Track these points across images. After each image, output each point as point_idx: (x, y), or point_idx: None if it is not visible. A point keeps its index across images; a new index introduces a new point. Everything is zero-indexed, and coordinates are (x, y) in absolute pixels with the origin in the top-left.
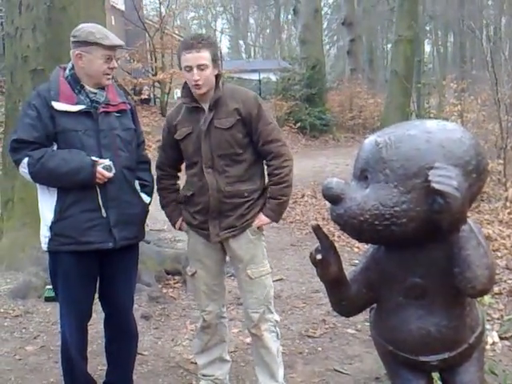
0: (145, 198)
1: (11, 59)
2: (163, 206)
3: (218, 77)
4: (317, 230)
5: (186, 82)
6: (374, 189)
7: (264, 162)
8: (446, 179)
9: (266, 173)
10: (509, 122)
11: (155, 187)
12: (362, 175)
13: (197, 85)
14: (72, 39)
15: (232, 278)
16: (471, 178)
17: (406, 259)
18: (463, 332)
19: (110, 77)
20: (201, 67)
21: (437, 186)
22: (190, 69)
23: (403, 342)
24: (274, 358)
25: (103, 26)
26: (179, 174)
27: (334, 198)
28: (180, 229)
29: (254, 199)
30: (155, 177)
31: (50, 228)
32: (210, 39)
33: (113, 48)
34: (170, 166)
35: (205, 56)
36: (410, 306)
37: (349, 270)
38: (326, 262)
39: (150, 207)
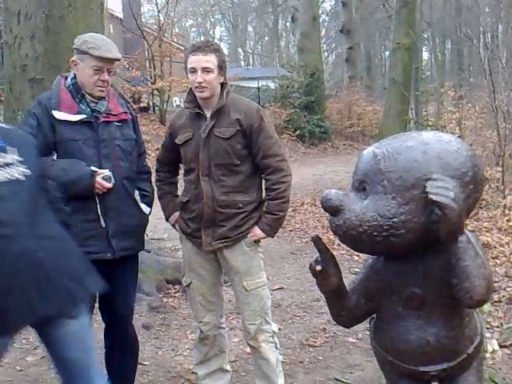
0: (144, 208)
1: (10, 68)
2: (159, 198)
3: (222, 85)
4: (316, 241)
5: (191, 88)
6: (372, 200)
7: (262, 175)
8: (444, 190)
9: (263, 186)
10: (507, 130)
11: (155, 194)
12: (361, 186)
13: (199, 87)
14: (73, 46)
15: (231, 287)
16: (468, 189)
17: (405, 270)
18: (462, 342)
19: (102, 89)
20: (206, 70)
21: (434, 198)
22: (194, 70)
23: (402, 352)
24: (274, 369)
25: (101, 34)
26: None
27: (332, 210)
28: (173, 226)
29: (248, 211)
30: (154, 169)
31: None
32: (218, 46)
33: (103, 60)
34: (169, 165)
35: (211, 60)
36: (409, 316)
37: (348, 281)
38: (325, 273)
39: (151, 216)
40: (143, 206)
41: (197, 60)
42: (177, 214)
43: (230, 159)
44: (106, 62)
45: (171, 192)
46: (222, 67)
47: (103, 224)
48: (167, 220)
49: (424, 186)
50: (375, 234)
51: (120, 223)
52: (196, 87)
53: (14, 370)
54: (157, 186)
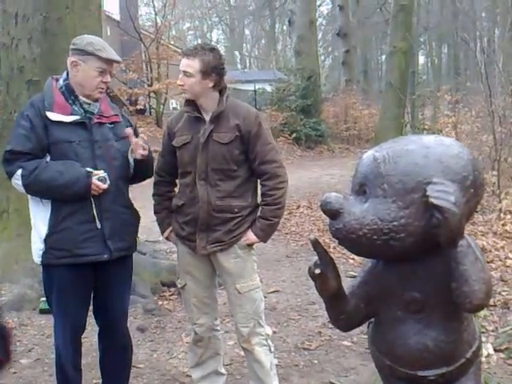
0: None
1: (7, 70)
2: (155, 212)
3: (222, 90)
4: (315, 244)
5: None
6: (372, 203)
7: (258, 180)
8: (444, 194)
9: (258, 191)
10: (502, 134)
11: (151, 192)
12: (361, 190)
13: (181, 88)
14: (71, 46)
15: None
16: (469, 194)
17: (405, 274)
18: (461, 347)
19: (102, 91)
20: (185, 74)
21: (435, 201)
22: (180, 72)
23: (401, 356)
24: (267, 372)
25: (99, 37)
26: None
27: (332, 213)
28: (167, 238)
29: (243, 216)
30: (153, 181)
31: (45, 241)
32: (208, 51)
33: (108, 62)
34: (169, 173)
35: (192, 65)
36: (408, 320)
37: (347, 284)
38: (324, 277)
39: (145, 219)
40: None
41: (182, 63)
42: (171, 228)
43: (228, 164)
44: (110, 64)
45: (168, 208)
46: (207, 72)
47: (99, 225)
48: (162, 234)
49: (424, 189)
50: (375, 237)
51: (115, 224)
52: (181, 89)
53: (8, 373)
54: (155, 200)
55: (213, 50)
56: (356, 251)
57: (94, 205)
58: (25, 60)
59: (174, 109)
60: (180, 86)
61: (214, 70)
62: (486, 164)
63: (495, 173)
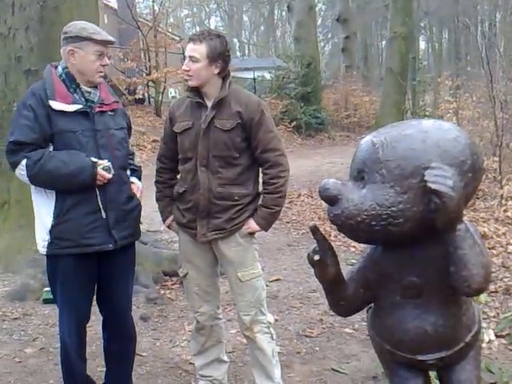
0: (137, 182)
1: (5, 60)
2: (157, 199)
3: (225, 77)
4: (314, 231)
5: None
6: (370, 189)
7: (260, 168)
8: (442, 179)
9: (260, 179)
10: (504, 120)
11: (152, 181)
12: (359, 176)
13: (186, 75)
14: (63, 36)
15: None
16: (467, 178)
17: (403, 259)
18: (460, 331)
19: (102, 74)
20: (192, 59)
21: (433, 186)
22: (185, 58)
23: (400, 341)
24: (270, 359)
25: (96, 25)
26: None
27: (330, 199)
28: (169, 227)
29: (244, 204)
30: (155, 169)
31: (50, 232)
32: (214, 36)
33: (105, 43)
34: (171, 159)
35: (198, 49)
36: (406, 305)
37: (346, 270)
38: (323, 263)
39: (147, 209)
40: (135, 180)
41: (188, 48)
42: (172, 217)
43: (229, 151)
44: (106, 45)
45: (170, 195)
46: (214, 58)
47: (104, 215)
48: (164, 222)
49: (423, 174)
50: (373, 223)
51: (119, 213)
52: (186, 75)
53: (13, 362)
54: (157, 187)
55: (219, 36)
56: (354, 237)
57: (99, 195)
58: (22, 49)
59: (173, 97)
60: (185, 71)
61: (221, 56)
62: (488, 150)
63: (497, 159)
